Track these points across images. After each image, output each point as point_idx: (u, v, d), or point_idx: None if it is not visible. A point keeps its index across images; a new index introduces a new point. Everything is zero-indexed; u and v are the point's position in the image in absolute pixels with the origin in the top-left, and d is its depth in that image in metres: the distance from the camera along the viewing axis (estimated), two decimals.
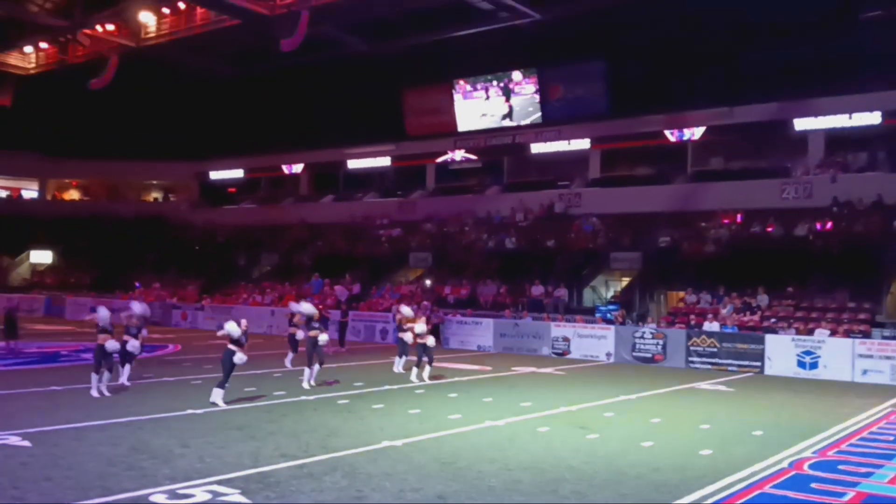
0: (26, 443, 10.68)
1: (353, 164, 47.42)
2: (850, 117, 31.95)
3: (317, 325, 17.46)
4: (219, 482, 8.98)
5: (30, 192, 56.74)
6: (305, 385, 16.75)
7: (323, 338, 17.17)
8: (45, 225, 50.59)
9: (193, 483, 8.91)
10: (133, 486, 8.74)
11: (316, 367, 17.06)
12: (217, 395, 14.20)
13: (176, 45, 38.20)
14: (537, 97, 39.36)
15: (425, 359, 18.69)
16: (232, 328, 14.29)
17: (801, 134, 33.44)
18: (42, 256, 51.12)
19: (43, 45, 41.59)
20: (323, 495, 8.66)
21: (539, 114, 39.52)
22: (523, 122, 40.12)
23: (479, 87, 41.18)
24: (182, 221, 52.11)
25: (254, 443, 11.18)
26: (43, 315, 39.46)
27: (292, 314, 20.07)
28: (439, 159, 43.42)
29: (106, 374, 15.13)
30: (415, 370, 18.69)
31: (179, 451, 10.47)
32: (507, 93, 40.37)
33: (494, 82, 40.63)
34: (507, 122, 40.58)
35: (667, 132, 36.01)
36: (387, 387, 17.42)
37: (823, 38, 31.28)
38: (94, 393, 14.83)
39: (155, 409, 13.57)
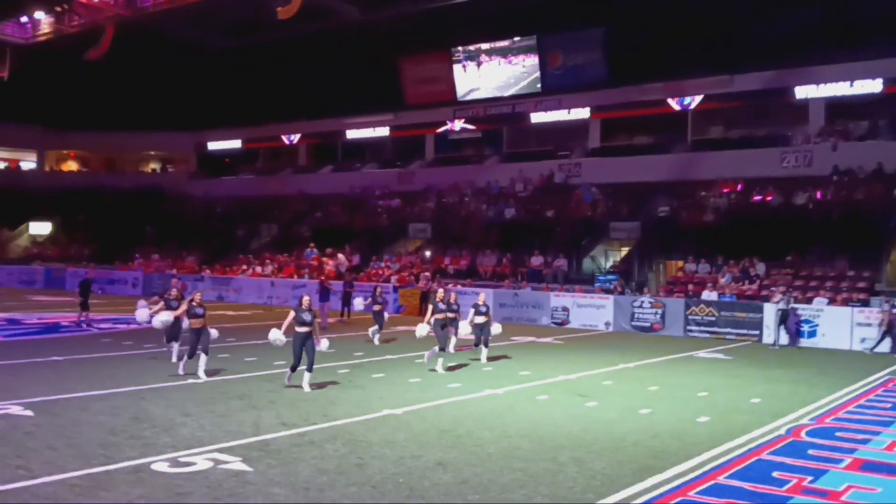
0: (29, 412, 10.75)
1: (351, 134, 47.13)
2: (851, 85, 31.76)
3: (450, 307, 16.72)
4: (220, 450, 9.05)
5: (28, 163, 56.65)
6: (440, 370, 15.43)
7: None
8: (44, 197, 50.50)
9: (195, 451, 8.98)
10: (135, 454, 8.81)
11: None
12: (305, 378, 13.24)
13: (172, 15, 37.87)
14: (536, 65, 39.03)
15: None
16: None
17: (801, 102, 33.23)
18: (41, 228, 51.10)
19: (39, 14, 41.20)
20: (324, 462, 8.72)
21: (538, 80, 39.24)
22: (522, 91, 39.83)
23: (478, 55, 40.83)
24: (181, 193, 52.00)
25: (254, 412, 11.26)
26: (42, 287, 39.48)
27: (376, 290, 21.41)
28: (439, 130, 43.01)
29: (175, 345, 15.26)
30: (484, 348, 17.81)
31: (181, 420, 10.55)
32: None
33: (494, 51, 40.31)
34: (505, 92, 40.30)
35: (670, 100, 35.70)
36: (387, 356, 17.50)
37: (824, 5, 30.98)
38: (174, 359, 14.99)
39: (156, 379, 13.66)
